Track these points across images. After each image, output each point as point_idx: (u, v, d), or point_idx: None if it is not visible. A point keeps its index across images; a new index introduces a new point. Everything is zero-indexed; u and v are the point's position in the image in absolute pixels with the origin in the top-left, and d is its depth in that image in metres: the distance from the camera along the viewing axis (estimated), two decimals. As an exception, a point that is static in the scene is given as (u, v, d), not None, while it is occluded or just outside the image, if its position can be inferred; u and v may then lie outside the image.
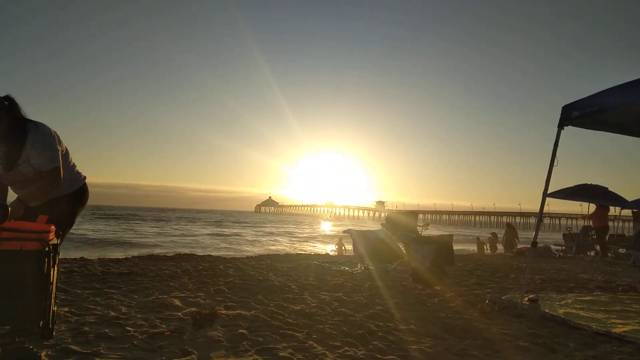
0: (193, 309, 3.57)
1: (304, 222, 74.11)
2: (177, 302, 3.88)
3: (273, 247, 19.84)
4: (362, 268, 6.73)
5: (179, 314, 3.47)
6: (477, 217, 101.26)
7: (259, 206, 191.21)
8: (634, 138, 5.31)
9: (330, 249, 16.12)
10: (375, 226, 7.15)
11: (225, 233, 32.95)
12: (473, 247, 17.94)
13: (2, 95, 2.54)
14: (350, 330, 3.25)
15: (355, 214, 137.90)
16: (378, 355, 2.74)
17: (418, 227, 6.58)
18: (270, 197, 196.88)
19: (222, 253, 13.21)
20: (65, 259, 6.80)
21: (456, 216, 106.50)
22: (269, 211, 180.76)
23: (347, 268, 7.03)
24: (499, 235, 16.13)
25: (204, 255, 8.20)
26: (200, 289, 4.63)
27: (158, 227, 36.09)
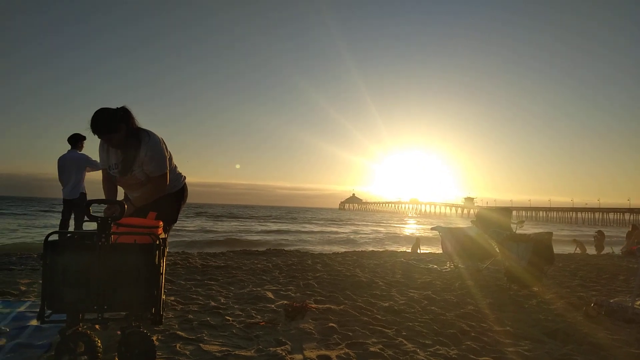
0: (285, 302, 3.72)
1: (388, 219, 73.37)
2: (270, 295, 4.05)
3: (358, 244, 19.90)
4: (452, 266, 6.54)
5: (272, 306, 3.63)
6: (579, 214, 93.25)
7: (343, 203, 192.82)
8: None
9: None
10: (464, 223, 6.90)
11: (311, 229, 33.66)
12: (572, 248, 16.59)
13: (118, 107, 2.83)
14: (441, 329, 3.18)
15: (442, 210, 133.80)
16: (471, 356, 2.65)
17: (512, 225, 6.23)
18: (354, 194, 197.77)
19: (309, 248, 13.54)
20: (169, 252, 7.41)
21: (555, 213, 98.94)
22: (352, 208, 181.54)
23: (435, 266, 6.87)
24: (605, 234, 14.74)
25: (292, 251, 8.48)
26: (290, 282, 4.80)
27: (248, 223, 37.83)
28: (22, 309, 3.37)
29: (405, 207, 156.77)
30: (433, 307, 3.88)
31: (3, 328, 2.79)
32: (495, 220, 6.13)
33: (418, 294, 4.46)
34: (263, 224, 38.56)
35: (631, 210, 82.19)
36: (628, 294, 4.45)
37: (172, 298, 3.73)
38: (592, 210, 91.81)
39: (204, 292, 4.11)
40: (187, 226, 27.69)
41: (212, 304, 3.63)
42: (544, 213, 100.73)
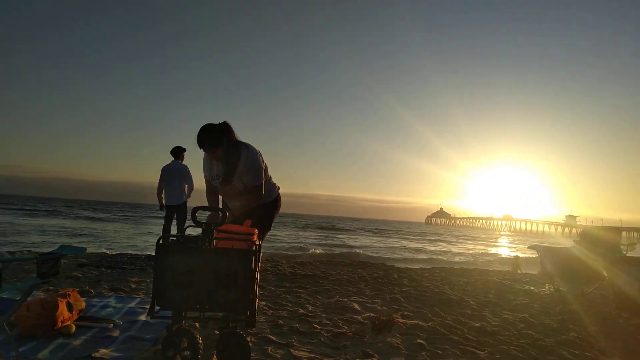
0: (371, 314, 3.71)
1: (478, 235, 69.85)
2: (356, 306, 4.07)
3: (446, 261, 19.20)
4: (551, 289, 6.07)
5: (359, 317, 3.64)
6: None
7: (429, 217, 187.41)
8: None
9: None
10: (565, 243, 6.38)
11: (396, 243, 33.12)
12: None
13: (220, 122, 3.07)
14: (540, 355, 2.97)
15: (539, 228, 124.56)
16: (575, 387, 2.44)
17: (622, 247, 5.66)
18: (441, 208, 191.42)
19: (394, 262, 13.34)
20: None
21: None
22: (440, 223, 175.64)
23: (532, 288, 6.42)
24: None
25: (377, 264, 8.42)
26: (376, 295, 4.77)
27: (332, 234, 38.19)
28: (132, 304, 3.73)
29: (497, 224, 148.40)
30: (530, 331, 3.64)
31: (117, 321, 3.11)
32: (604, 241, 5.61)
33: (513, 316, 4.20)
34: (347, 235, 38.70)
35: None
36: None
37: (264, 303, 3.89)
38: None
39: (292, 299, 4.23)
40: (278, 235, 28.66)
41: (301, 311, 3.73)
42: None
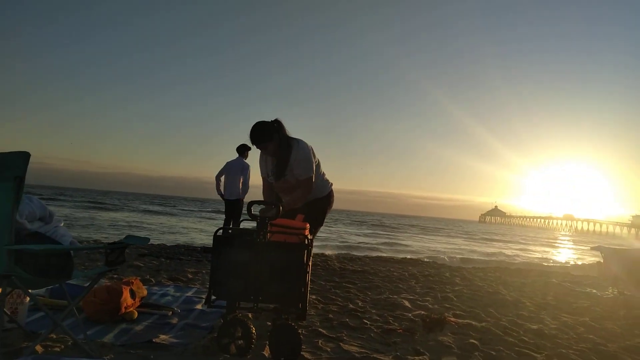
0: (422, 312, 3.68)
1: (536, 235, 66.86)
2: (407, 304, 4.04)
3: (500, 260, 18.56)
4: (615, 293, 5.73)
5: (409, 314, 3.62)
6: None
7: (483, 215, 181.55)
8: None
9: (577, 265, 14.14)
10: (634, 244, 6.00)
11: (448, 241, 32.37)
12: None
13: (272, 119, 3.17)
14: (602, 361, 2.83)
15: (603, 229, 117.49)
16: (641, 396, 2.31)
17: (698, 250, 5.25)
18: (496, 206, 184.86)
19: (445, 261, 13.06)
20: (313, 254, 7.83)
21: None
22: (494, 221, 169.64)
23: (594, 291, 6.10)
24: None
25: (429, 262, 8.29)
26: (427, 293, 4.71)
27: (382, 230, 37.91)
28: (189, 294, 3.90)
29: (557, 223, 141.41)
30: (591, 336, 3.46)
31: (176, 309, 3.27)
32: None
33: (572, 320, 4.02)
34: (397, 232, 38.26)
35: None
36: None
37: (314, 297, 3.95)
38: None
39: (342, 294, 4.27)
40: (330, 230, 28.86)
41: (351, 306, 3.75)
42: None
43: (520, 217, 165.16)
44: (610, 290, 5.98)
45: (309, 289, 2.81)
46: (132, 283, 3.18)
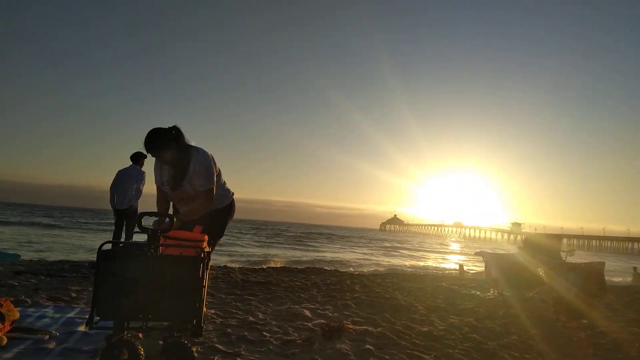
0: (322, 321, 3.72)
1: (430, 242, 71.73)
2: (307, 313, 4.06)
3: (398, 266, 19.57)
4: (495, 293, 6.31)
5: (309, 324, 3.64)
6: (636, 245, 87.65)
7: (384, 224, 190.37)
8: None
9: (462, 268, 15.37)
10: (510, 249, 6.68)
11: (350, 249, 33.42)
12: (629, 278, 15.58)
13: (170, 126, 3.01)
14: (482, 358, 3.07)
15: (487, 235, 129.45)
16: (514, 389, 2.54)
17: (562, 253, 5.97)
18: (395, 215, 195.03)
19: (348, 269, 13.45)
20: (212, 266, 7.58)
21: (609, 242, 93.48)
22: (394, 229, 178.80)
23: (478, 292, 6.66)
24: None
25: (331, 270, 8.46)
26: (328, 302, 4.79)
27: (287, 240, 38.07)
28: (72, 314, 3.54)
29: (448, 231, 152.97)
30: (474, 335, 3.76)
31: (53, 332, 2.95)
32: (545, 248, 5.90)
33: (459, 321, 4.33)
34: (301, 241, 38.67)
35: (696, 243, 76.43)
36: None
37: (213, 311, 3.81)
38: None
39: (243, 307, 4.17)
40: (233, 241, 28.20)
41: (251, 319, 3.68)
42: (597, 242, 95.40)
43: (416, 225, 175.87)
44: (491, 292, 6.57)
45: (205, 303, 2.70)
46: (1, 305, 2.81)
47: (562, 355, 3.34)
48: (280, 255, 20.62)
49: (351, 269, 13.96)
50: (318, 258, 21.17)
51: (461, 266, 11.16)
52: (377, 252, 32.34)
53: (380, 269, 14.59)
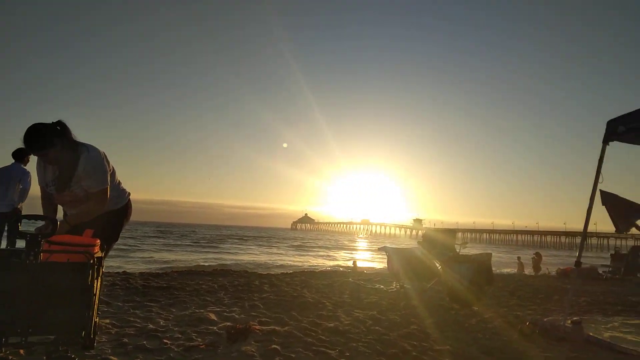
0: (228, 324, 3.63)
1: (339, 239, 73.78)
2: (213, 317, 3.95)
3: (308, 264, 19.86)
4: (397, 286, 6.64)
5: (215, 328, 3.53)
6: (520, 236, 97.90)
7: (295, 223, 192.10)
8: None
9: (365, 265, 15.99)
10: (412, 244, 7.08)
11: (261, 249, 33.25)
12: (514, 268, 17.33)
13: (54, 121, 2.71)
14: (384, 349, 3.20)
15: (392, 231, 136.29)
16: (412, 376, 2.68)
17: (456, 246, 6.45)
18: (306, 214, 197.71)
19: (257, 269, 13.34)
20: (109, 272, 7.06)
21: (497, 235, 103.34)
22: (305, 228, 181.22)
23: (382, 286, 6.96)
24: (543, 256, 15.56)
25: (240, 271, 8.32)
26: (235, 304, 4.70)
27: (195, 242, 36.86)
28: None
29: (356, 228, 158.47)
30: (377, 327, 3.91)
31: None
32: (440, 241, 6.33)
33: (363, 314, 4.48)
34: (210, 243, 37.67)
35: (567, 233, 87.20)
36: (561, 314, 4.68)
37: (108, 321, 3.54)
38: (531, 232, 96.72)
39: (142, 314, 3.94)
40: (135, 245, 26.59)
41: (151, 326, 3.48)
42: (487, 235, 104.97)
43: (326, 223, 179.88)
44: (394, 285, 6.91)
45: (98, 313, 2.50)
46: None
47: (455, 341, 3.59)
48: (186, 259, 19.90)
49: (260, 269, 13.87)
50: (227, 260, 20.76)
51: (355, 262, 11.77)
52: (288, 252, 32.54)
53: (290, 268, 14.68)
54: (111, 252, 3.40)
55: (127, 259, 17.93)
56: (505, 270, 15.60)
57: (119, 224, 3.27)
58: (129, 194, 3.35)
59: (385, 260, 7.23)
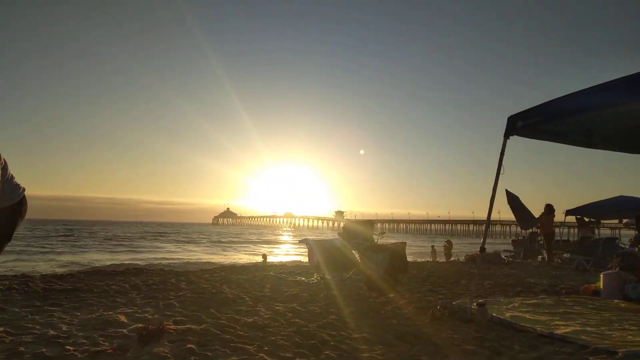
0: (139, 325, 3.44)
1: (262, 233, 73.41)
2: (123, 319, 3.72)
3: (229, 259, 19.53)
4: (318, 278, 6.72)
5: (124, 330, 3.33)
6: (433, 226, 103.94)
7: (216, 218, 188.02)
8: (576, 147, 5.60)
9: (288, 259, 16.05)
10: (333, 236, 7.20)
11: (179, 245, 32.10)
12: (428, 256, 18.36)
13: None
14: (303, 341, 3.21)
15: (315, 224, 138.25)
16: (329, 365, 2.71)
17: (374, 236, 6.65)
18: (228, 208, 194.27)
19: (174, 266, 12.86)
20: (5, 275, 6.42)
21: (413, 225, 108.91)
22: (227, 223, 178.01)
23: (303, 278, 7.01)
24: (454, 243, 16.61)
25: (155, 269, 7.94)
26: (148, 304, 4.47)
27: (107, 241, 34.72)
28: None
29: (280, 221, 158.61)
30: (297, 319, 3.92)
31: None
32: (359, 232, 6.48)
33: (284, 307, 4.47)
34: (123, 240, 35.67)
35: (474, 222, 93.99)
36: (468, 296, 5.00)
37: (1, 329, 3.20)
38: (443, 222, 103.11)
39: (42, 319, 3.61)
40: (34, 245, 24.40)
41: (52, 332, 3.20)
42: (404, 225, 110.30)
43: (249, 217, 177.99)
44: (315, 277, 6.99)
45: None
46: None
47: (372, 328, 3.70)
48: (97, 258, 18.68)
49: (178, 266, 13.40)
50: (142, 258, 19.80)
51: (264, 256, 11.83)
52: (208, 247, 31.75)
53: (210, 264, 14.33)
54: (7, 254, 3.07)
55: (26, 261, 16.37)
56: (420, 259, 16.46)
57: (13, 222, 2.97)
58: (24, 189, 3.05)
59: (307, 253, 7.28)
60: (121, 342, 3.01)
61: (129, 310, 4.07)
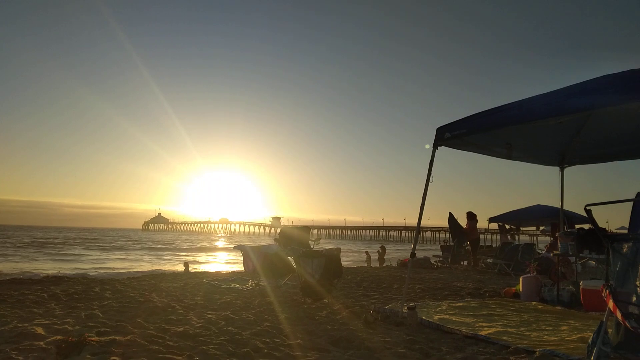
0: (58, 337, 3.20)
1: (196, 239, 71.27)
2: (40, 331, 3.44)
3: (159, 267, 18.75)
4: (253, 284, 6.63)
5: (41, 343, 3.08)
6: (368, 232, 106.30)
7: (147, 223, 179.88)
8: (497, 159, 5.99)
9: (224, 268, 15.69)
10: (270, 242, 7.13)
11: (105, 252, 30.37)
12: (363, 261, 18.73)
13: None
14: (236, 349, 3.15)
15: (251, 230, 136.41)
16: (262, 373, 2.67)
17: (310, 242, 6.68)
18: (159, 213, 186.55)
19: (99, 274, 12.17)
20: None
21: (348, 231, 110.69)
22: (158, 228, 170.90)
23: (237, 285, 6.88)
24: (386, 248, 17.06)
25: (76, 278, 7.46)
26: (69, 314, 4.18)
27: (24, 247, 32.12)
28: None
29: (215, 227, 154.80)
30: (230, 328, 3.83)
31: None
32: (296, 238, 6.49)
33: (216, 315, 4.36)
34: (44, 247, 33.17)
35: (407, 228, 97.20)
36: (400, 300, 5.16)
37: None
38: (378, 228, 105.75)
39: (-57, 335, 3.25)
40: (-64, 253, 21.99)
41: (-47, 349, 2.89)
42: (340, 231, 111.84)
43: (182, 222, 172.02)
44: (250, 283, 6.88)
45: None
46: None
47: (306, 334, 3.70)
48: (11, 267, 17.21)
49: (103, 274, 12.69)
50: (64, 267, 18.51)
51: (186, 264, 11.60)
52: (137, 254, 30.30)
53: (138, 272, 13.70)
54: None
55: None
56: (355, 265, 16.75)
57: None
58: None
59: (242, 259, 7.17)
60: (37, 356, 2.78)
61: (47, 322, 3.77)
